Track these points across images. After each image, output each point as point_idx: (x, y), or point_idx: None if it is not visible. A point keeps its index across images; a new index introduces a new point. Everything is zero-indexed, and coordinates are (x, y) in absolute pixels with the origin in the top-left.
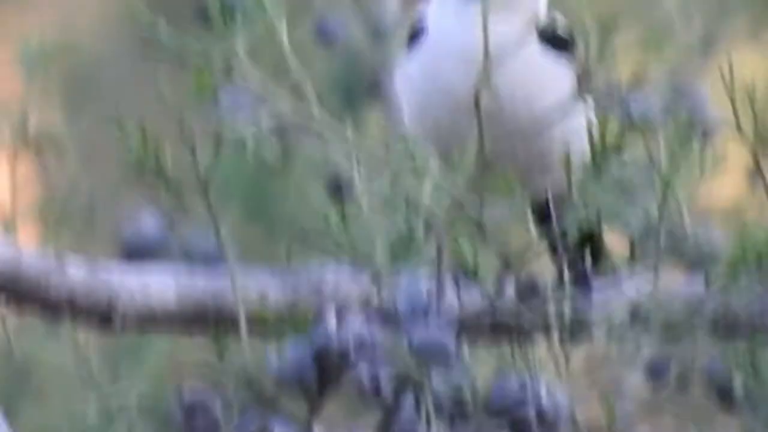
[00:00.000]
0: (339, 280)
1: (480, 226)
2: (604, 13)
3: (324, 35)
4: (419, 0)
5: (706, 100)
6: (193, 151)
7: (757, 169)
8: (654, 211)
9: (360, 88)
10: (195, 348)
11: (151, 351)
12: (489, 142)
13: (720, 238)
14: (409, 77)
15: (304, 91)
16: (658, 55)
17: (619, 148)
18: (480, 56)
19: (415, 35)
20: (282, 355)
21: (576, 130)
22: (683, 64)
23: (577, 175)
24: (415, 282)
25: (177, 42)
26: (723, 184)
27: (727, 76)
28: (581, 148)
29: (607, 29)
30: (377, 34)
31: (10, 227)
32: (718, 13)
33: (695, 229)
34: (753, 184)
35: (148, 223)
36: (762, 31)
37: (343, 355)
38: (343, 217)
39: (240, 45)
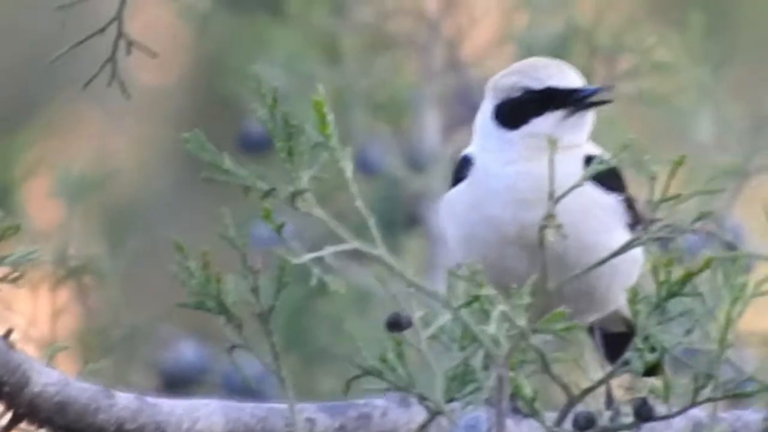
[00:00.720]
0: (387, 411)
1: (543, 359)
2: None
3: (365, 166)
4: (458, 132)
5: (743, 230)
6: (255, 287)
7: None
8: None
9: (399, 218)
10: None
11: None
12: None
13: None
14: (454, 210)
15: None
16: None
17: (683, 285)
18: (525, 193)
19: (460, 170)
20: None
21: (626, 268)
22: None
23: (637, 313)
24: (474, 417)
25: (242, 174)
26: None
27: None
28: (629, 283)
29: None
30: (416, 165)
31: (51, 355)
32: (752, 143)
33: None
34: None
35: (187, 352)
36: None
37: None
38: (401, 353)
39: (305, 177)
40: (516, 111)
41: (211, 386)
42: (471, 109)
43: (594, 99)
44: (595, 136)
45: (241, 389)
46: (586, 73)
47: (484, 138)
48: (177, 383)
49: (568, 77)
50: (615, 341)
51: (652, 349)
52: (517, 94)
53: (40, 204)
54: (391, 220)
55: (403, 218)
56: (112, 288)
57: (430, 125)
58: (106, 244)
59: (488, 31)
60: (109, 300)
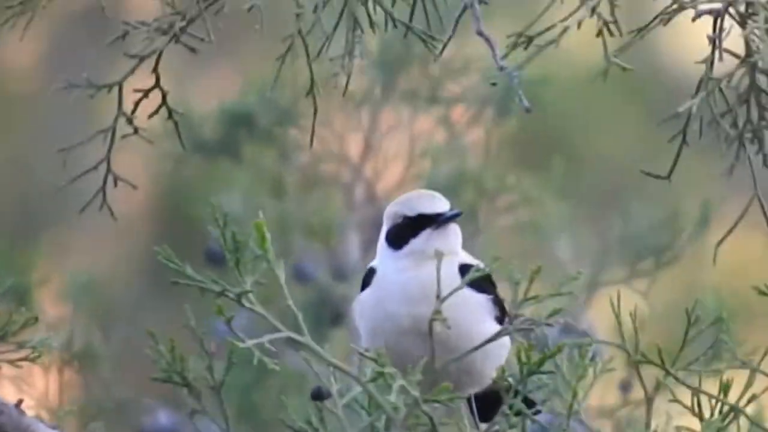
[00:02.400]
0: None
1: (432, 422)
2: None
3: (300, 276)
4: (373, 250)
5: (593, 328)
6: (210, 366)
7: (639, 379)
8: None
9: (327, 317)
10: None
11: None
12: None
13: None
14: (364, 308)
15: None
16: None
17: (539, 366)
18: (414, 294)
19: (368, 275)
20: None
21: (496, 351)
22: (574, 301)
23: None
24: None
25: (199, 279)
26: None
27: (614, 308)
28: (500, 364)
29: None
30: (340, 275)
31: (59, 424)
32: (601, 262)
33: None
34: (625, 392)
35: (162, 419)
36: (634, 278)
37: None
38: (322, 418)
39: (248, 281)
40: (398, 234)
41: None
42: None
43: (450, 217)
44: (480, 258)
45: None
46: (474, 208)
47: (381, 255)
48: None
49: (435, 204)
50: (488, 401)
51: (517, 414)
52: (399, 221)
53: (50, 302)
54: (320, 318)
55: (330, 317)
56: (105, 368)
57: (352, 245)
58: (100, 334)
59: (399, 172)
60: (103, 378)
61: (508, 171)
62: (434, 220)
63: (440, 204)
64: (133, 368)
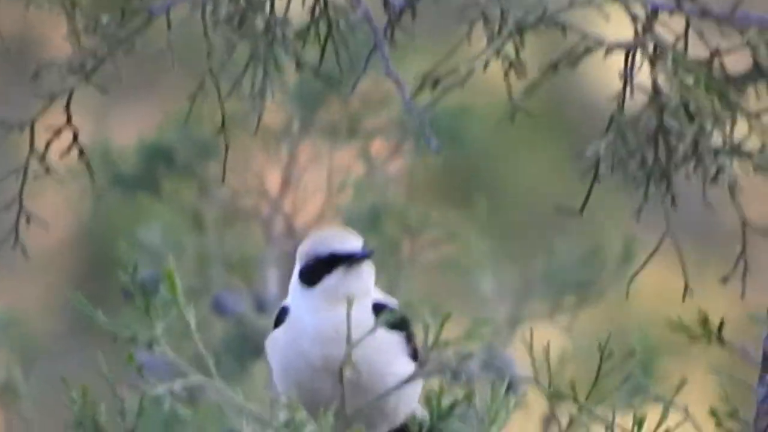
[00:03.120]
0: None
1: None
2: (435, 297)
3: (219, 309)
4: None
5: (513, 362)
6: (122, 411)
7: (552, 414)
8: None
9: (248, 350)
10: None
11: None
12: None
13: None
14: (276, 346)
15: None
16: (477, 329)
17: (450, 410)
18: (327, 334)
19: (281, 314)
20: None
21: (410, 392)
22: (497, 336)
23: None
24: None
25: (110, 324)
26: (525, 427)
27: (528, 345)
28: (413, 405)
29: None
30: (261, 308)
31: None
32: (523, 298)
33: None
34: (548, 425)
35: None
36: (556, 314)
37: None
38: None
39: (158, 326)
40: (311, 272)
41: None
42: None
43: (363, 256)
44: (402, 294)
45: None
46: (396, 244)
47: (294, 293)
48: None
49: (348, 243)
50: None
51: None
52: (311, 260)
53: None
54: (241, 350)
55: (250, 349)
56: (27, 406)
57: (271, 278)
58: (21, 371)
59: (318, 206)
60: (23, 414)
61: (430, 205)
62: (347, 259)
63: (353, 243)
64: (56, 406)
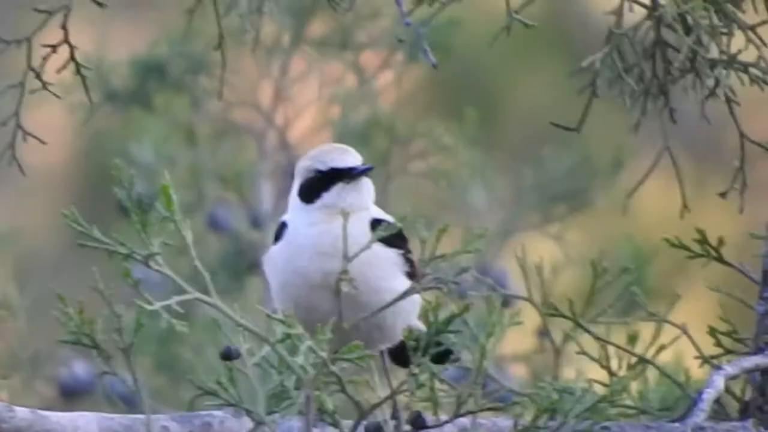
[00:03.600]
0: (224, 420)
1: (340, 382)
2: (425, 209)
3: (214, 225)
4: (287, 198)
5: (506, 275)
6: (119, 329)
7: (546, 330)
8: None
9: (243, 266)
10: None
11: None
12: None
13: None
14: (274, 263)
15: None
16: (472, 242)
17: (447, 325)
18: (325, 249)
19: (279, 230)
20: None
21: (407, 308)
22: (488, 247)
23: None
24: (289, 426)
25: (106, 241)
26: (519, 339)
27: (521, 260)
28: (411, 321)
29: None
30: (255, 223)
31: None
32: (515, 209)
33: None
34: (540, 341)
35: (79, 370)
36: (547, 224)
37: None
38: (232, 378)
39: (155, 243)
40: (311, 188)
41: (97, 397)
42: None
43: (362, 171)
44: (393, 205)
45: (120, 399)
46: (386, 155)
47: (293, 209)
48: (71, 394)
49: (347, 158)
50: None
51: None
52: (311, 175)
53: None
54: (236, 265)
55: (246, 264)
56: (20, 320)
57: (265, 193)
58: (15, 287)
59: (310, 120)
60: (17, 330)
61: (420, 118)
62: (346, 175)
63: (352, 158)
64: (49, 320)
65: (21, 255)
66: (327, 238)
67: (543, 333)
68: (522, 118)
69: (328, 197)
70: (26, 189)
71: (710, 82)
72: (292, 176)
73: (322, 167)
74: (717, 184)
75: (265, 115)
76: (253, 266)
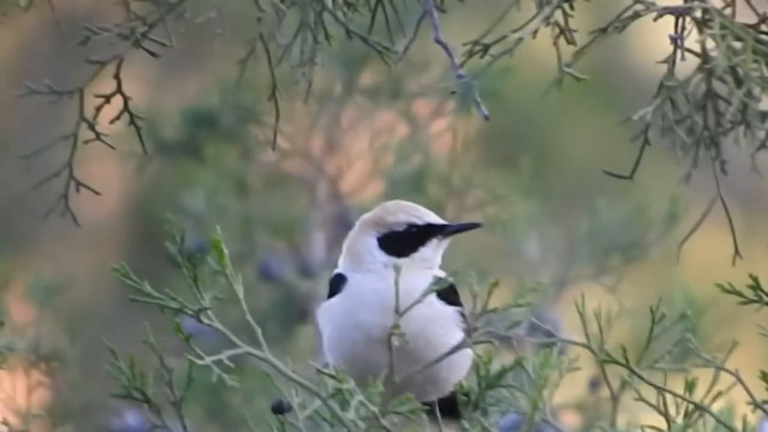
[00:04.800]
0: None
1: None
2: (480, 258)
3: (265, 274)
4: (341, 246)
5: (561, 324)
6: (170, 383)
7: (603, 378)
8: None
9: (293, 315)
10: None
11: None
12: (397, 370)
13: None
14: (331, 315)
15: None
16: (524, 294)
17: (498, 379)
18: (391, 304)
19: (336, 283)
20: None
21: (461, 361)
22: (542, 298)
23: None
24: None
25: (157, 295)
26: (572, 389)
27: (580, 308)
28: (464, 371)
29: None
30: (306, 272)
31: (26, 428)
32: (569, 259)
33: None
34: (594, 388)
35: (131, 420)
36: (601, 275)
37: None
38: (283, 429)
39: (206, 297)
40: (404, 241)
41: None
42: (347, 229)
43: (461, 228)
44: (448, 254)
45: None
46: (440, 206)
47: (364, 261)
48: None
49: (430, 215)
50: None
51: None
52: (400, 228)
53: (17, 305)
54: (287, 316)
55: (296, 314)
56: (72, 371)
57: (316, 242)
58: (67, 338)
59: (361, 169)
60: (70, 380)
61: (473, 167)
62: (441, 230)
63: (432, 215)
64: (100, 370)
65: (72, 306)
66: (393, 294)
67: (597, 382)
68: (573, 168)
69: (426, 251)
70: (78, 241)
71: (761, 134)
72: (343, 226)
73: (419, 222)
74: (764, 232)
75: (316, 164)
76: (304, 315)
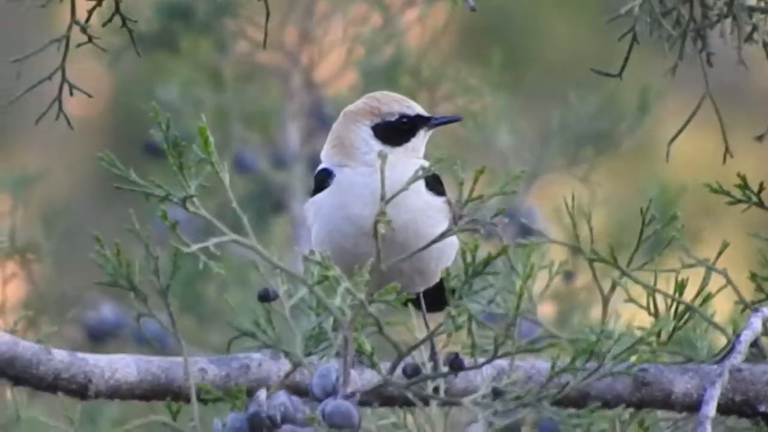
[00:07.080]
0: (262, 362)
1: (378, 323)
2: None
3: (241, 166)
4: (312, 138)
5: (536, 214)
6: (156, 271)
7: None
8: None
9: (268, 205)
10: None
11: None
12: (383, 260)
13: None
14: (320, 211)
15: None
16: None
17: (484, 266)
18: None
19: (323, 178)
20: (223, 419)
21: (447, 251)
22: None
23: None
24: (327, 368)
25: (143, 183)
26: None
27: (551, 198)
28: (450, 261)
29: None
30: (280, 164)
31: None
32: (541, 151)
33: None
34: (568, 280)
35: (107, 312)
36: (573, 166)
37: (272, 420)
38: (270, 319)
39: (192, 183)
40: (395, 131)
41: (125, 339)
42: (321, 120)
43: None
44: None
45: (147, 342)
46: (412, 96)
47: (358, 152)
48: (98, 336)
49: (420, 107)
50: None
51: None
52: (392, 118)
53: None
54: (261, 207)
55: (271, 205)
56: (47, 263)
57: (290, 133)
58: (43, 230)
59: (335, 60)
60: (45, 271)
61: (445, 59)
62: (427, 122)
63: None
64: (75, 263)
65: (49, 200)
66: (387, 183)
67: (570, 275)
68: (547, 62)
69: (416, 141)
70: (53, 137)
71: (748, 28)
72: (317, 117)
73: (410, 112)
74: (746, 127)
75: (290, 56)
76: (278, 206)
